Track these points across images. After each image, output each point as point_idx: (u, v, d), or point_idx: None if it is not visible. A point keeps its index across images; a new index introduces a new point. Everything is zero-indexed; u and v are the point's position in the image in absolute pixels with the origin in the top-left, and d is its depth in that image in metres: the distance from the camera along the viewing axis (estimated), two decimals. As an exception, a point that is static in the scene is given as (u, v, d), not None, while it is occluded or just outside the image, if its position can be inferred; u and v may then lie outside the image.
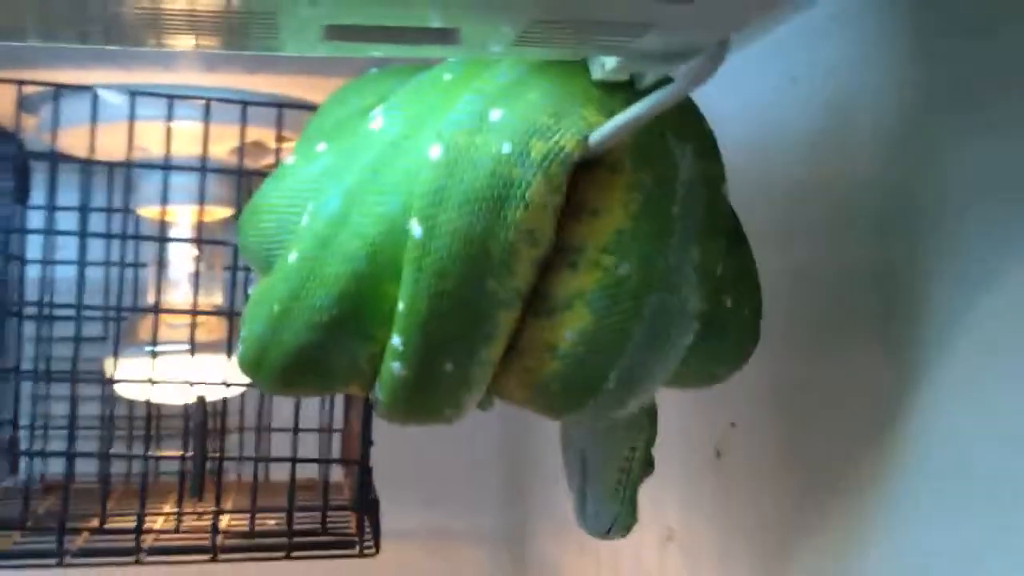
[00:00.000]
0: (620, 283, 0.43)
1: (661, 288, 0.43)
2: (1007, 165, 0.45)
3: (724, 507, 0.69)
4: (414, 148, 0.44)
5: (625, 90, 0.42)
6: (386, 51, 0.37)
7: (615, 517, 0.56)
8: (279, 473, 0.86)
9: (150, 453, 0.73)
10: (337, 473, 0.90)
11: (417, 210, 0.42)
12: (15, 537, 0.71)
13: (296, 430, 0.77)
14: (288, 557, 0.73)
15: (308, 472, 0.86)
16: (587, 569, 0.96)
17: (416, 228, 0.42)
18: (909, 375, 0.51)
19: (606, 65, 0.40)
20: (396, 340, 0.44)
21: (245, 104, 0.72)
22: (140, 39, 0.34)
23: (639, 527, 0.72)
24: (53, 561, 0.69)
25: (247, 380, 0.76)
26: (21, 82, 0.72)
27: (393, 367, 0.45)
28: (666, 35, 0.33)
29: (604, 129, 0.41)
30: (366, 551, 0.74)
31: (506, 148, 0.41)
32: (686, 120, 0.45)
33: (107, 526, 0.70)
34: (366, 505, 0.74)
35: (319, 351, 0.46)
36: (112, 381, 0.74)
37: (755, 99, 0.65)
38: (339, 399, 0.87)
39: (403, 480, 1.16)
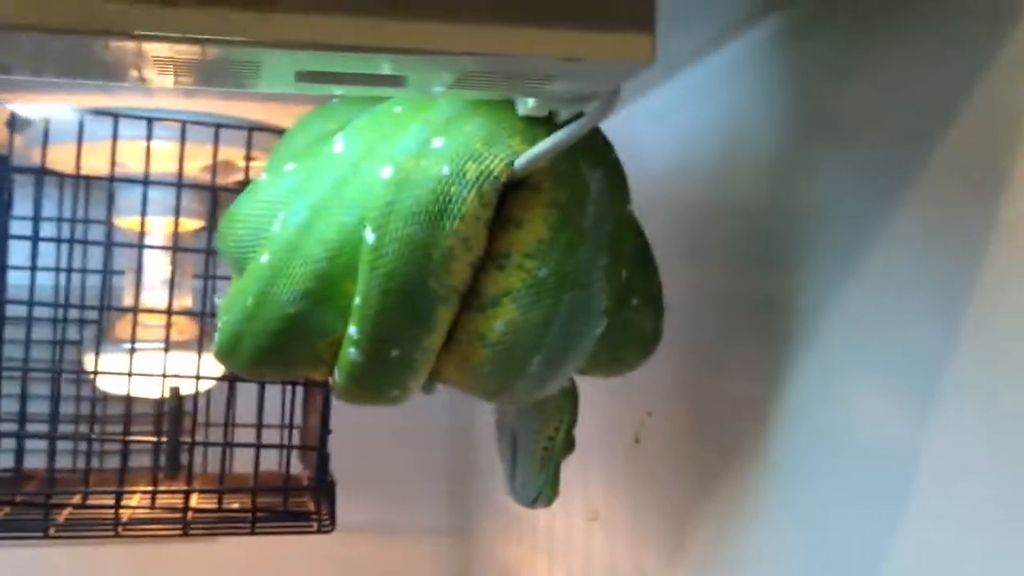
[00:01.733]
0: (540, 283, 0.51)
1: (575, 288, 0.52)
2: (864, 192, 0.54)
3: (641, 488, 0.78)
4: (369, 169, 0.52)
5: (546, 123, 0.51)
6: (345, 91, 0.46)
7: (539, 489, 0.65)
8: (241, 466, 0.94)
9: (128, 437, 0.80)
10: (296, 467, 0.97)
11: (371, 220, 0.51)
12: (2, 513, 0.78)
13: (259, 424, 0.85)
14: (253, 532, 0.81)
15: (268, 465, 0.94)
16: (525, 554, 1.04)
17: (370, 236, 0.50)
18: (787, 370, 0.60)
19: (528, 104, 0.49)
20: (352, 329, 0.52)
21: (218, 127, 0.80)
22: (126, 78, 0.42)
23: (570, 508, 0.81)
24: (39, 534, 0.76)
25: (216, 375, 0.85)
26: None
27: (349, 352, 0.53)
28: (568, 83, 0.42)
29: (526, 156, 0.49)
30: (323, 527, 0.82)
31: (445, 170, 0.50)
32: (596, 149, 0.54)
33: (88, 503, 0.78)
34: (324, 486, 0.82)
35: (286, 339, 0.54)
36: (95, 374, 0.82)
37: (669, 138, 0.75)
38: (299, 397, 0.95)
39: (352, 476, 1.24)
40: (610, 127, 0.53)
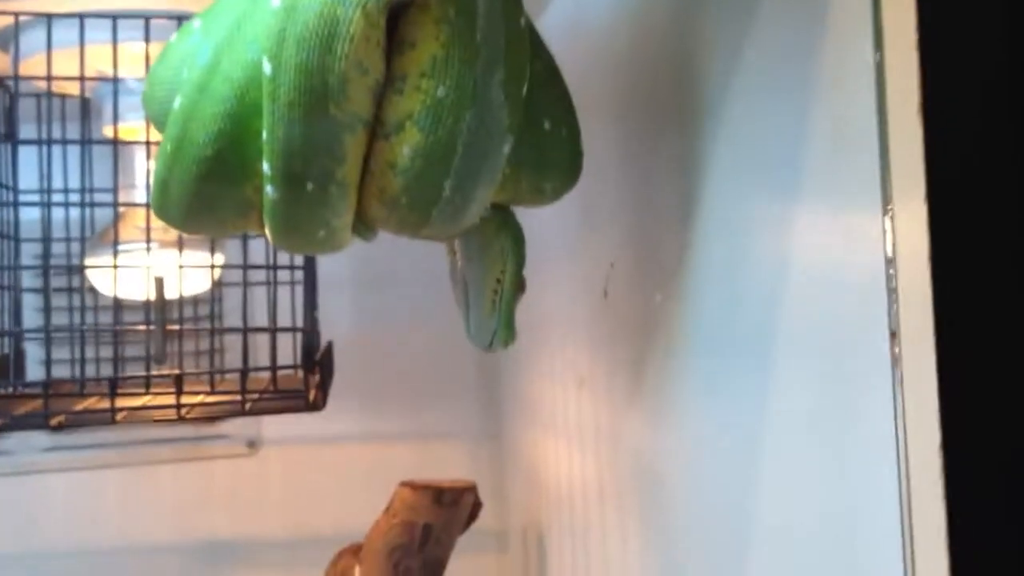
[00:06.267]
0: (439, 103, 0.51)
1: (474, 105, 0.52)
2: None
3: (613, 347, 0.78)
4: (267, 1, 0.53)
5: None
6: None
7: (493, 332, 0.66)
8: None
9: (119, 326, 0.82)
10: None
11: (266, 50, 0.51)
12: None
13: (244, 312, 0.86)
14: (244, 412, 0.82)
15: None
16: (549, 444, 1.05)
17: (267, 66, 0.51)
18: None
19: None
20: (265, 166, 0.53)
21: (180, 20, 0.81)
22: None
23: (562, 381, 0.80)
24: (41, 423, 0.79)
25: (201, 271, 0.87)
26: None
27: (267, 191, 0.54)
28: None
29: (409, -29, 0.50)
30: (314, 405, 0.83)
31: (331, -8, 0.50)
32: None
33: (85, 391, 0.81)
34: (310, 364, 0.83)
35: (210, 183, 0.55)
36: (82, 267, 0.85)
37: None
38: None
39: (383, 382, 1.26)
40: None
